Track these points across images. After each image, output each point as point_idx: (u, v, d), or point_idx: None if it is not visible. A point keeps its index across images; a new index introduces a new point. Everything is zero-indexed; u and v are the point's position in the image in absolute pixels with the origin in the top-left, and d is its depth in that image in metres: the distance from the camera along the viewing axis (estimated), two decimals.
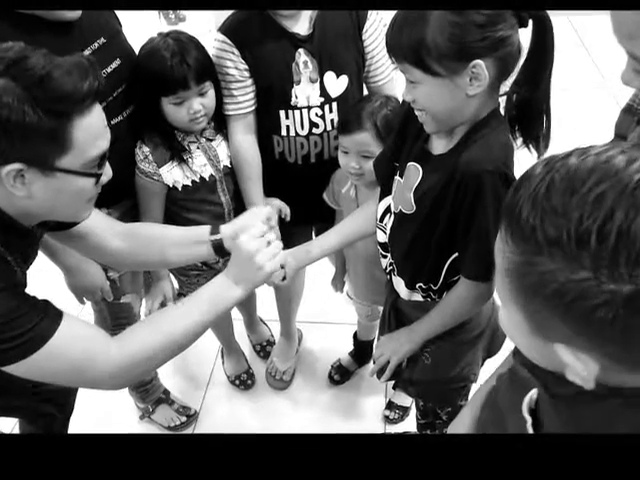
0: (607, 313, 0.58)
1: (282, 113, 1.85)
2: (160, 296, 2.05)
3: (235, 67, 1.81)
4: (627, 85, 1.05)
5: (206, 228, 1.60)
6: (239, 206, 1.99)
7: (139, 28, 2.49)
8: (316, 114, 1.86)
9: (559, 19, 5.11)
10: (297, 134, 1.88)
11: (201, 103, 1.77)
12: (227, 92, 1.85)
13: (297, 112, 1.85)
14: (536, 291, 0.64)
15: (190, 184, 1.88)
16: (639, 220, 0.57)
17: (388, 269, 1.60)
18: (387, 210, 1.54)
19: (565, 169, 0.63)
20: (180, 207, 1.95)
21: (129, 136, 1.81)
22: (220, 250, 1.57)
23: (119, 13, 1.82)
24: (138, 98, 1.78)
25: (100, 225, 1.51)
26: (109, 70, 1.68)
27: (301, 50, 1.78)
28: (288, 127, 1.87)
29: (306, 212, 2.06)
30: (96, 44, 1.64)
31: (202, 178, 1.88)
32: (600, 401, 0.72)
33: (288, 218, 2.03)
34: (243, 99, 1.85)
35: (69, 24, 1.57)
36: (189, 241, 1.61)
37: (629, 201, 0.57)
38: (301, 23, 1.77)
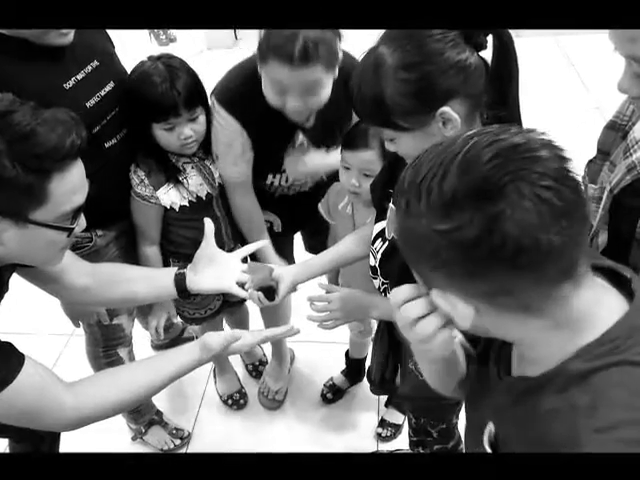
0: (438, 249, 0.74)
1: (270, 175, 1.93)
2: (164, 315, 2.05)
3: (242, 144, 1.82)
4: (624, 93, 1.04)
5: (173, 268, 1.65)
6: (234, 222, 2.02)
7: (130, 49, 2.51)
8: None
9: (546, 39, 5.16)
10: (280, 185, 1.97)
11: (192, 129, 1.76)
12: (232, 160, 1.85)
13: (284, 174, 1.93)
14: (404, 243, 0.82)
15: (187, 204, 1.88)
16: (451, 175, 0.72)
17: (382, 288, 1.60)
18: (379, 235, 1.54)
19: (430, 149, 0.79)
20: (177, 226, 1.95)
21: (123, 159, 1.80)
22: (182, 289, 1.61)
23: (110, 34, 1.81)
24: (130, 122, 1.77)
25: (69, 265, 1.50)
26: (103, 93, 1.67)
27: (300, 135, 1.82)
28: (272, 182, 1.96)
29: (289, 225, 2.17)
30: (89, 67, 1.64)
31: (199, 197, 1.88)
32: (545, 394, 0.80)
33: (280, 229, 2.13)
34: (247, 166, 1.88)
35: (61, 49, 1.56)
36: (155, 278, 1.64)
37: (449, 162, 0.74)
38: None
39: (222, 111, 1.77)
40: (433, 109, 1.15)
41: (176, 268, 1.64)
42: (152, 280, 1.64)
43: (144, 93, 1.69)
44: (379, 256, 1.53)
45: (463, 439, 1.13)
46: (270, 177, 1.94)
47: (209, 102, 1.81)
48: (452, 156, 0.74)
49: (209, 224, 1.65)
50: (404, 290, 0.87)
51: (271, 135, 1.80)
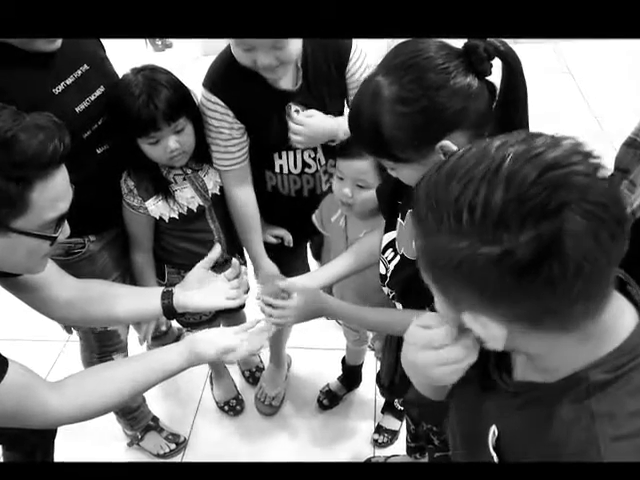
0: (485, 273, 0.69)
1: (276, 155, 1.86)
2: (153, 322, 2.03)
3: (231, 128, 1.78)
4: None
5: (160, 288, 1.63)
6: (229, 232, 2.00)
7: (125, 55, 2.50)
8: (309, 155, 1.88)
9: (545, 46, 5.17)
10: (290, 172, 1.90)
11: (177, 141, 1.71)
12: (223, 149, 1.82)
13: (291, 153, 1.86)
14: (435, 264, 0.75)
15: (177, 217, 1.85)
16: (497, 193, 0.67)
17: (391, 295, 1.58)
18: (389, 245, 1.50)
19: (451, 161, 0.74)
20: (169, 235, 1.94)
21: (114, 165, 1.78)
22: (168, 306, 1.59)
23: (104, 40, 1.78)
24: (115, 137, 1.73)
25: (55, 276, 1.49)
26: (93, 98, 1.65)
27: (291, 103, 1.77)
28: (282, 166, 1.88)
29: (301, 234, 2.13)
30: (79, 72, 1.62)
31: (189, 210, 1.86)
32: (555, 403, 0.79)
33: (291, 244, 2.09)
34: (240, 153, 1.84)
35: (50, 54, 1.54)
36: (141, 297, 1.63)
37: (491, 178, 0.68)
38: (287, 79, 1.75)
39: (207, 94, 1.76)
40: (432, 143, 1.10)
41: (160, 290, 1.62)
42: (138, 298, 1.62)
43: (123, 108, 1.65)
44: (391, 267, 1.49)
45: (450, 443, 1.11)
46: (277, 158, 1.86)
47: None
48: (494, 170, 0.68)
49: (215, 250, 1.67)
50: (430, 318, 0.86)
51: (265, 114, 1.77)
